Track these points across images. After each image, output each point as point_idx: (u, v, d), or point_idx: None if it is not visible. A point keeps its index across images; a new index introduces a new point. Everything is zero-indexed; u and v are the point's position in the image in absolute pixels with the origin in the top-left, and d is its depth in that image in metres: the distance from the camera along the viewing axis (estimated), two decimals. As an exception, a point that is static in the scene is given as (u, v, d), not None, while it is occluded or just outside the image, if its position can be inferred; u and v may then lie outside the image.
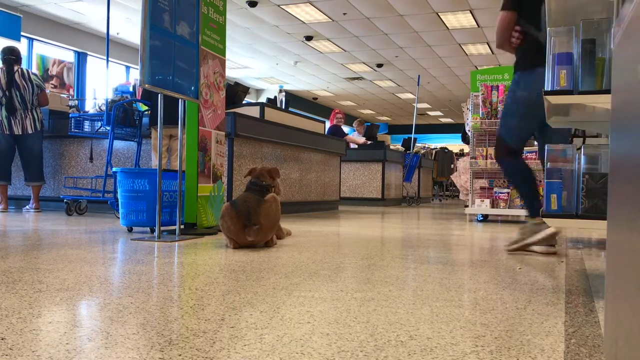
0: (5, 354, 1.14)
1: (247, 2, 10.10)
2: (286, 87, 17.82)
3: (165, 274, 2.19)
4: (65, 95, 8.55)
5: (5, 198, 5.92)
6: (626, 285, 0.83)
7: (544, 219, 2.35)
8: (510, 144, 3.21)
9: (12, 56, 5.84)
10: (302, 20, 11.24)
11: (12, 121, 5.77)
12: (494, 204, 5.87)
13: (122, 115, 5.39)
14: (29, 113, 5.84)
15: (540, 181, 5.67)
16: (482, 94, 5.99)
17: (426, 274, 2.30)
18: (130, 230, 3.93)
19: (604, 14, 2.06)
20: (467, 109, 7.07)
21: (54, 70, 11.80)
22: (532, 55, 3.02)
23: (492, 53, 13.17)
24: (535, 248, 3.02)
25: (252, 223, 2.99)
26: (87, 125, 5.64)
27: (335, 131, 9.43)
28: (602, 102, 1.91)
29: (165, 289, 1.88)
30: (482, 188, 6.07)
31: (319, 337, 1.32)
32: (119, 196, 3.84)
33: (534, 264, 2.69)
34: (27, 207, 6.06)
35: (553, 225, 2.74)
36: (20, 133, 5.81)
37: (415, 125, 11.52)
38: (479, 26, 11.23)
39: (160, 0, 3.35)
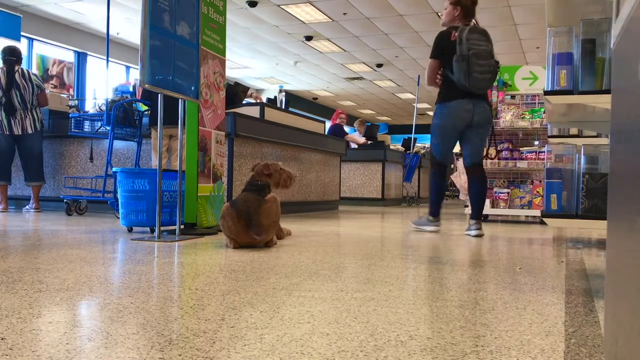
0: (5, 354, 1.14)
1: (247, 2, 10.10)
2: (286, 87, 17.81)
3: (165, 274, 2.19)
4: (65, 95, 8.55)
5: (5, 198, 5.92)
6: (626, 285, 0.83)
7: (544, 218, 2.36)
8: (438, 159, 4.26)
9: (12, 57, 5.85)
10: (302, 20, 11.24)
11: (12, 121, 5.77)
12: (494, 204, 5.87)
13: (122, 115, 5.39)
14: (29, 113, 5.85)
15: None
16: (482, 94, 5.99)
17: (426, 274, 2.30)
18: (130, 230, 3.93)
19: (604, 14, 2.06)
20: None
21: (54, 70, 11.80)
22: (445, 92, 4.11)
23: (492, 53, 13.16)
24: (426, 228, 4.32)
25: (253, 223, 2.99)
26: (87, 125, 5.64)
27: (336, 130, 9.43)
28: (602, 102, 1.91)
29: (165, 289, 1.88)
30: (482, 188, 6.06)
31: (319, 337, 1.32)
32: (119, 196, 3.84)
33: (534, 264, 2.70)
34: (27, 207, 6.07)
35: (552, 225, 2.81)
36: (20, 133, 5.81)
37: (415, 125, 11.52)
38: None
39: (160, 0, 3.35)
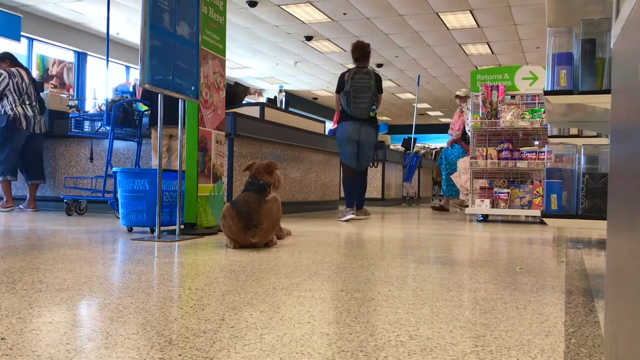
0: (5, 354, 1.14)
1: (247, 2, 10.10)
2: (286, 87, 17.81)
3: (165, 274, 2.19)
4: (65, 95, 8.55)
5: (11, 196, 5.98)
6: (626, 285, 0.83)
7: (544, 219, 2.36)
8: (346, 164, 5.86)
9: None
10: (302, 20, 11.24)
11: (35, 120, 5.95)
12: (494, 204, 5.87)
13: (122, 115, 5.39)
14: (41, 114, 6.08)
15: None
16: (482, 94, 5.99)
17: (426, 274, 2.30)
18: (130, 230, 3.92)
19: (604, 14, 2.06)
20: (467, 109, 7.08)
21: (54, 70, 11.80)
22: (342, 116, 5.80)
23: (492, 53, 13.17)
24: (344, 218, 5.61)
25: (254, 223, 2.99)
26: (87, 125, 5.64)
27: None
28: (602, 102, 1.91)
29: (165, 289, 1.88)
30: (482, 188, 6.07)
31: (319, 337, 1.32)
32: (119, 196, 3.84)
33: (534, 264, 2.70)
34: (21, 206, 6.08)
35: (552, 225, 2.83)
36: (38, 132, 6.02)
37: (415, 125, 11.52)
38: (479, 26, 11.23)
39: (160, 0, 3.35)
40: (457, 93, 7.80)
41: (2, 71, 5.83)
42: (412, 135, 11.03)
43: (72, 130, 5.62)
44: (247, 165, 3.36)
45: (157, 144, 4.00)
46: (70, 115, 5.94)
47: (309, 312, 1.57)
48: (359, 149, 5.77)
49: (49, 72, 11.67)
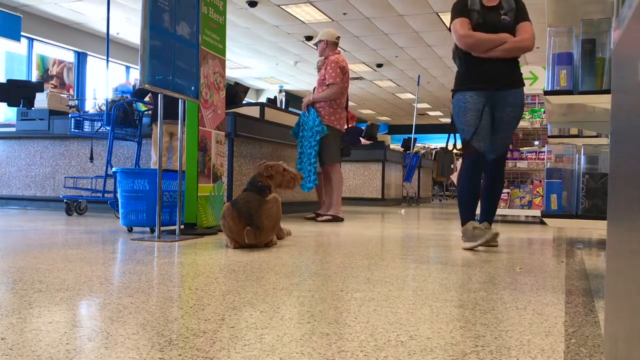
0: (5, 354, 1.14)
1: (247, 2, 10.10)
2: (286, 87, 17.81)
3: (165, 274, 2.19)
4: (65, 95, 8.54)
5: None
6: (626, 285, 0.83)
7: (544, 219, 2.36)
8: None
9: None
10: (302, 20, 11.24)
11: None
12: (494, 204, 5.86)
13: (122, 115, 5.39)
14: None
15: (540, 180, 5.70)
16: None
17: (426, 274, 2.30)
18: (130, 230, 3.92)
19: (604, 14, 2.06)
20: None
21: (54, 70, 11.80)
22: None
23: (492, 53, 13.15)
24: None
25: (254, 223, 2.99)
26: (87, 125, 5.64)
27: (355, 132, 9.27)
28: (602, 102, 1.91)
29: (165, 289, 1.88)
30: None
31: (319, 337, 1.32)
32: (118, 196, 3.84)
33: (534, 264, 2.70)
34: None
35: (552, 225, 2.83)
36: None
37: (415, 125, 11.52)
38: (479, 26, 11.22)
39: (160, 0, 3.35)
40: (321, 38, 5.50)
41: None
42: (412, 135, 11.02)
43: (72, 130, 5.61)
44: (258, 164, 3.39)
45: (157, 139, 3.99)
46: (70, 115, 5.93)
47: (309, 312, 1.57)
48: None
49: (49, 72, 11.67)
